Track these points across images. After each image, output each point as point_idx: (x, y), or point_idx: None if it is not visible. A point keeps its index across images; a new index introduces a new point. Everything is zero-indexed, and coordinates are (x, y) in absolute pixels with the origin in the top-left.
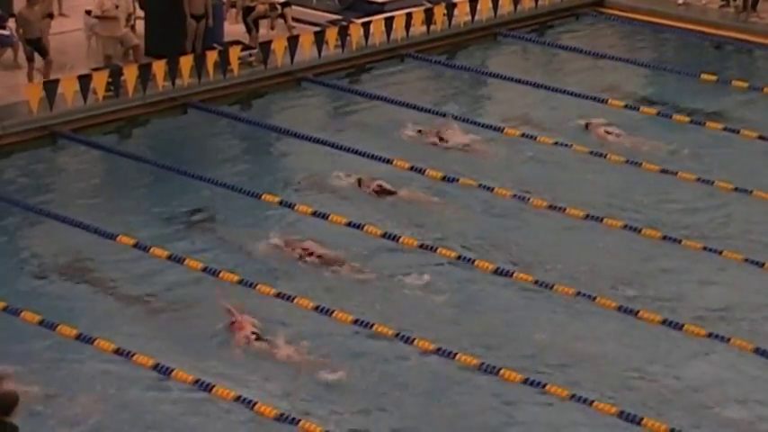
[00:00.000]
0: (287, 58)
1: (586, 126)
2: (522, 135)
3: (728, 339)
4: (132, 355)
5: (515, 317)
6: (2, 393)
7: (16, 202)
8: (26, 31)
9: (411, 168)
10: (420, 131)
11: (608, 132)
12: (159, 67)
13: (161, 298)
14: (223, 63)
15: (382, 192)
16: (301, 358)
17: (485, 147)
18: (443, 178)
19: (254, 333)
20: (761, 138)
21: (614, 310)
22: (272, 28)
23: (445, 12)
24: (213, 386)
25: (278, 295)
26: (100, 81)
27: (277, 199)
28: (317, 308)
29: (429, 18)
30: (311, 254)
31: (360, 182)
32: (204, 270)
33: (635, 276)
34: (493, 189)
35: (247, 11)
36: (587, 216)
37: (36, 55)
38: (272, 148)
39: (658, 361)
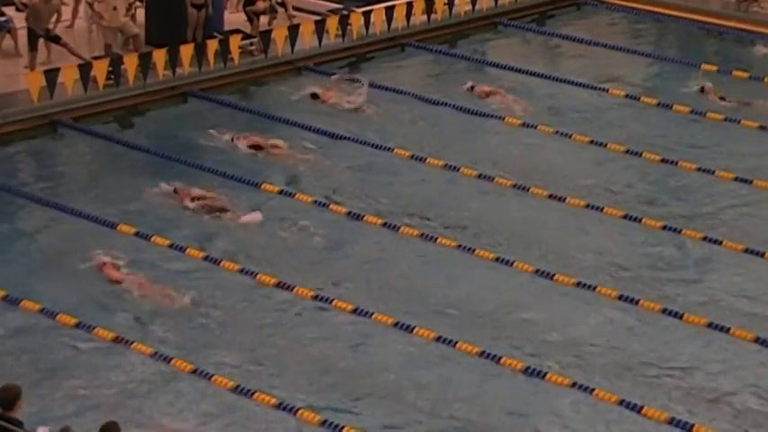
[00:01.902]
0: (287, 47)
1: (472, 88)
2: (523, 125)
3: (728, 329)
4: (131, 344)
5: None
6: (5, 388)
7: (16, 191)
8: (36, 22)
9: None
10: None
11: (489, 94)
12: (159, 55)
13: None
14: (223, 52)
15: (253, 147)
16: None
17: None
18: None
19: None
20: (761, 128)
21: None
22: (269, 23)
23: (446, 1)
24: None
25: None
26: (100, 70)
27: (277, 189)
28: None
29: (429, 7)
30: (197, 199)
31: (233, 139)
32: (205, 259)
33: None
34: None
35: (248, 1)
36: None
37: (41, 45)
38: (272, 137)
39: (657, 349)
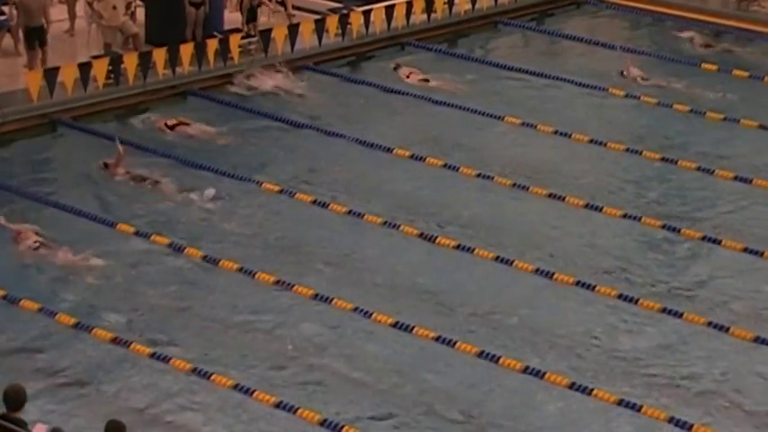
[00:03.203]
0: (287, 46)
1: (396, 68)
2: (523, 123)
3: (728, 329)
4: (129, 344)
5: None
6: (14, 389)
7: (16, 190)
8: (28, 19)
9: None
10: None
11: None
12: (159, 54)
13: (161, 285)
14: (223, 51)
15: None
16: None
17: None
18: None
19: (36, 242)
20: (761, 127)
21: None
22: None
23: (446, 0)
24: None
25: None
26: (100, 69)
27: (277, 188)
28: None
29: (429, 6)
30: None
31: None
32: (204, 258)
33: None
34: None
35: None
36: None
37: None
38: (271, 136)
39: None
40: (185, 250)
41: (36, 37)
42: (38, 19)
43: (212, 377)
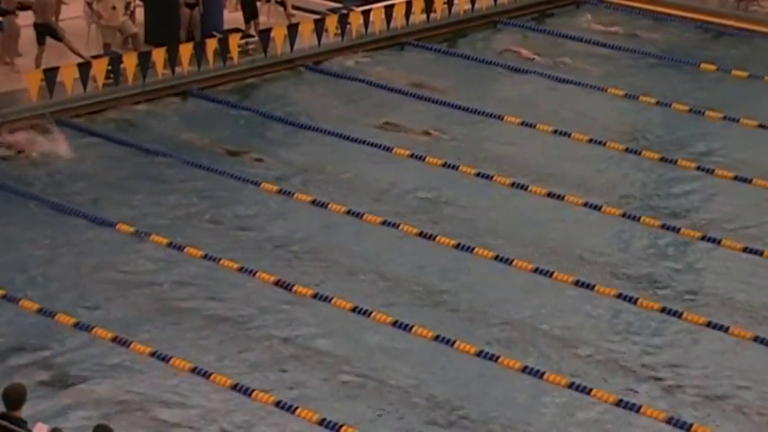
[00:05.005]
0: (287, 46)
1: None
2: (522, 123)
3: (727, 328)
4: (129, 344)
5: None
6: (13, 388)
7: (16, 191)
8: (43, 14)
9: None
10: None
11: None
12: (159, 54)
13: (158, 285)
14: (223, 51)
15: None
16: None
17: None
18: None
19: None
20: (761, 126)
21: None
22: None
23: (445, 0)
24: None
25: None
26: (99, 69)
27: (275, 188)
28: None
29: (429, 6)
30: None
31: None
32: (204, 257)
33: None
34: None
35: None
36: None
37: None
38: (271, 136)
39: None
40: (184, 250)
41: (48, 33)
42: (51, 15)
43: (212, 377)
